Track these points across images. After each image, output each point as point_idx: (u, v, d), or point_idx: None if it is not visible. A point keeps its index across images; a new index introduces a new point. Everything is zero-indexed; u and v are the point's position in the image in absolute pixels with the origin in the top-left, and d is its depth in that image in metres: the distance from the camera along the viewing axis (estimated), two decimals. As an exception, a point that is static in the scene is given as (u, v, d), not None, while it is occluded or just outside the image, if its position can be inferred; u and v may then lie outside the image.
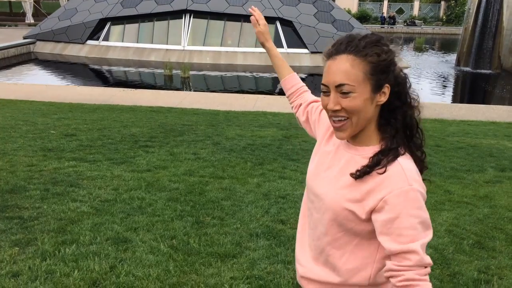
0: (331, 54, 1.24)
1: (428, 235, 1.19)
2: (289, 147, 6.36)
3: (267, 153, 5.94)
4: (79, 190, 4.22)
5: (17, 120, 7.82)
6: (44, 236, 3.22)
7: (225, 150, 6.00)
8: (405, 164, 1.21)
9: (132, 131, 7.06)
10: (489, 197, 4.56)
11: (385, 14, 38.62)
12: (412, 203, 1.16)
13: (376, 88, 1.22)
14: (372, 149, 1.26)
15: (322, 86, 1.26)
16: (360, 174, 1.22)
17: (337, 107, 1.21)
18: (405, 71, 1.29)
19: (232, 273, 2.82)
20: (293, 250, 3.17)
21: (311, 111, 1.60)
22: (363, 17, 36.77)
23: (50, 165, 4.99)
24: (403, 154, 1.23)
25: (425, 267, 1.16)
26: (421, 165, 1.27)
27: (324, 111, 1.42)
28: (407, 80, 1.28)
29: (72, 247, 3.05)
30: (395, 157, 1.21)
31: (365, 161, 1.24)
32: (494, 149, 6.68)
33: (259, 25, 1.80)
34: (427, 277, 1.17)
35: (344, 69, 1.19)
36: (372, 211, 1.21)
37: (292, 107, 1.73)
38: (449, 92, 15.30)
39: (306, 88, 1.73)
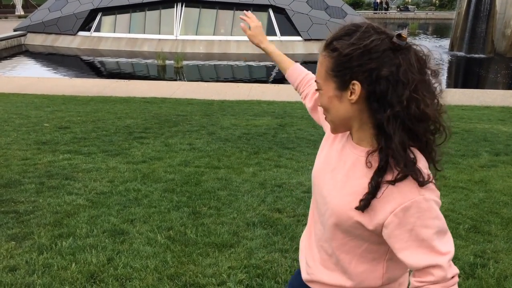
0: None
1: (449, 242, 1.11)
2: (284, 135, 6.35)
3: (262, 142, 5.93)
4: (75, 183, 4.20)
5: (9, 113, 7.75)
6: (40, 229, 3.21)
7: (220, 140, 5.98)
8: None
9: (126, 123, 7.02)
10: (484, 182, 4.58)
11: (378, 0, 38.46)
12: (427, 213, 1.08)
13: (343, 86, 1.11)
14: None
15: None
16: (366, 204, 1.12)
17: (318, 104, 1.23)
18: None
19: (230, 263, 2.82)
20: (290, 239, 3.19)
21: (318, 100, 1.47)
22: (356, 3, 36.61)
23: (45, 158, 4.96)
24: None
25: (451, 278, 1.10)
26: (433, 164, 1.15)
27: None
28: (401, 79, 1.06)
29: (69, 240, 3.04)
30: (404, 176, 1.07)
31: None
32: (489, 134, 6.71)
33: (249, 29, 1.71)
34: (455, 286, 1.11)
35: (317, 66, 1.17)
36: (382, 225, 1.12)
37: (301, 97, 1.66)
38: (443, 77, 15.30)
39: (311, 75, 1.63)
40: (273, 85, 12.54)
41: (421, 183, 1.07)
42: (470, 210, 3.82)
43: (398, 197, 1.08)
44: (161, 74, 15.17)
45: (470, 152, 5.69)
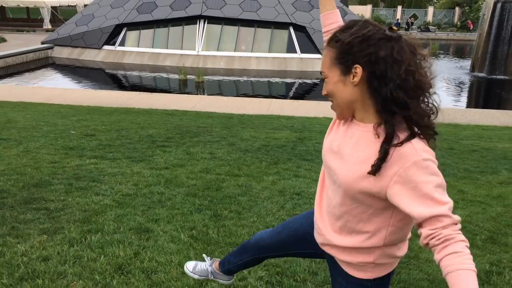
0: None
1: (447, 196, 1.27)
2: (303, 148, 6.46)
3: (282, 153, 6.05)
4: (101, 185, 4.37)
5: (37, 121, 8.04)
6: (70, 225, 3.37)
7: (240, 150, 6.12)
8: (415, 142, 1.29)
9: (149, 132, 7.23)
10: (503, 197, 4.60)
11: (399, 20, 38.73)
12: (426, 170, 1.24)
13: (346, 70, 1.32)
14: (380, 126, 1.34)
15: None
16: (377, 169, 1.28)
17: (324, 92, 1.41)
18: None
19: (250, 261, 2.92)
20: (309, 242, 3.28)
21: None
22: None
23: (72, 162, 5.16)
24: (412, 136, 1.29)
25: (456, 223, 1.25)
26: (430, 134, 1.33)
27: None
28: (397, 58, 1.26)
29: (98, 236, 3.19)
30: (408, 139, 1.28)
31: (373, 137, 1.32)
32: (509, 152, 6.70)
33: None
34: (460, 231, 1.26)
35: (322, 59, 1.41)
36: (387, 187, 1.29)
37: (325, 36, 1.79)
38: (464, 98, 15.27)
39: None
40: (292, 101, 12.69)
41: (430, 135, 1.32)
42: (487, 223, 3.85)
43: (400, 161, 1.27)
44: (182, 88, 15.50)
45: (489, 169, 5.71)
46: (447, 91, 15.74)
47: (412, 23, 39.58)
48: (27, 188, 4.16)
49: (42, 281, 2.59)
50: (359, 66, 1.29)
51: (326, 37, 1.72)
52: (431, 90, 1.35)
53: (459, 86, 16.85)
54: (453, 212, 1.23)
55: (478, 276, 2.90)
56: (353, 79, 1.31)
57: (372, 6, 44.22)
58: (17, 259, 2.82)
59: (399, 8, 43.10)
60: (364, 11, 40.92)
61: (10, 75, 17.06)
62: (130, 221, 3.48)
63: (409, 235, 1.50)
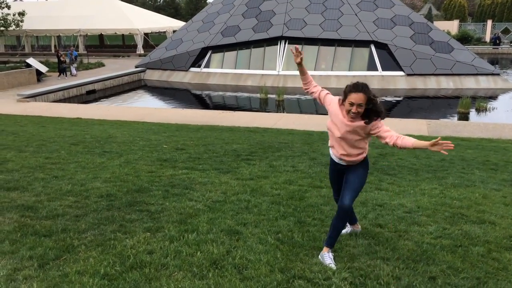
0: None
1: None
2: (385, 163, 6.45)
3: (363, 167, 6.09)
4: (193, 192, 4.76)
5: (134, 137, 8.81)
6: (169, 225, 3.75)
7: (321, 164, 6.27)
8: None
9: (233, 147, 7.63)
10: None
11: (497, 34, 36.56)
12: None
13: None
14: None
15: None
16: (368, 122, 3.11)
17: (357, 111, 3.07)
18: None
19: (334, 264, 3.06)
20: (392, 249, 3.36)
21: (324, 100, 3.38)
22: (464, 38, 35.09)
23: (167, 172, 5.65)
24: None
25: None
26: None
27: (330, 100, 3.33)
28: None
29: (193, 235, 3.52)
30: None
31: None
32: None
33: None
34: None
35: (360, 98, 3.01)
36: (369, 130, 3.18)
37: (308, 91, 3.48)
38: None
39: (314, 84, 3.48)
40: (373, 118, 12.54)
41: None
42: None
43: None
44: (263, 106, 15.97)
45: None
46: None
47: (499, 38, 37.07)
48: (130, 193, 4.66)
49: (149, 270, 2.94)
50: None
51: (311, 90, 3.47)
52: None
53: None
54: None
55: None
56: None
57: (459, 21, 42.37)
58: (127, 251, 3.22)
59: (489, 22, 40.83)
60: (450, 27, 39.31)
61: (108, 96, 18.72)
62: (221, 223, 3.79)
63: None
